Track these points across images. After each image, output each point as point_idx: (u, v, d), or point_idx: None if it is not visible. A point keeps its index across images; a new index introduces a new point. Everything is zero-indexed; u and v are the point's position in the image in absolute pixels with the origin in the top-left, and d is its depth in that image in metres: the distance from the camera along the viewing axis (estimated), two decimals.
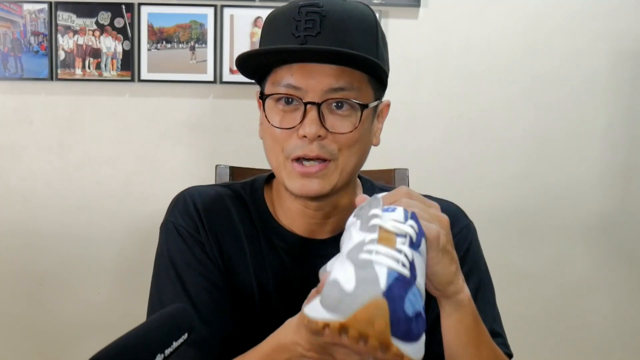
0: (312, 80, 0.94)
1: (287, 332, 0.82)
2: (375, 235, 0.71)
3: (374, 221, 0.73)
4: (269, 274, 1.05)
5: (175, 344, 0.66)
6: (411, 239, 0.73)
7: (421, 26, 2.23)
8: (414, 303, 0.66)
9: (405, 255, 0.69)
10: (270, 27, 1.01)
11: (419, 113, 2.25)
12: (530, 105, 2.28)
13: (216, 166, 1.53)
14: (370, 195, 0.87)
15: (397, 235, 0.71)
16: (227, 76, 2.20)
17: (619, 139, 2.30)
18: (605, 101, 2.28)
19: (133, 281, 2.21)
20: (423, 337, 0.68)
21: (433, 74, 2.25)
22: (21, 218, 2.26)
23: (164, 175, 2.25)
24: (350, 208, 0.90)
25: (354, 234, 0.74)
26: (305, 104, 0.94)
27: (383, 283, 0.65)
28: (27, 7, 2.19)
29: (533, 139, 2.28)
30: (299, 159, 0.95)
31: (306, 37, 0.93)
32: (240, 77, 2.26)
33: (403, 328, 0.65)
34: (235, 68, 2.21)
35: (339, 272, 0.67)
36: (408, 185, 1.42)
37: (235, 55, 2.15)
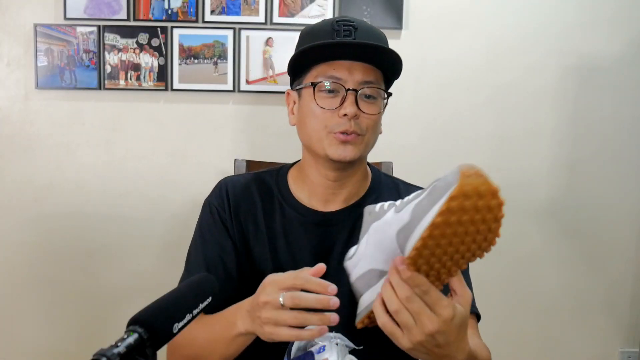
0: (350, 74, 1.00)
1: (236, 313, 0.90)
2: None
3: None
4: (281, 243, 1.07)
5: (201, 306, 0.66)
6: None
7: (403, 45, 2.22)
8: None
9: None
10: (309, 35, 1.04)
11: (402, 116, 2.24)
12: (492, 110, 2.26)
13: (235, 160, 1.52)
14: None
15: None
16: (243, 86, 2.18)
17: (565, 138, 2.28)
18: (553, 107, 2.27)
19: (165, 254, 2.20)
20: None
21: (413, 84, 2.24)
22: (75, 202, 2.24)
23: (191, 168, 2.24)
24: (359, 183, 1.07)
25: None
26: (347, 90, 0.99)
27: None
28: (80, 29, 2.17)
29: (494, 138, 2.27)
30: (341, 133, 1.00)
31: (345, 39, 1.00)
32: (254, 87, 2.26)
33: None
34: (250, 79, 2.20)
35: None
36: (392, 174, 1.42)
37: (251, 69, 2.16)
